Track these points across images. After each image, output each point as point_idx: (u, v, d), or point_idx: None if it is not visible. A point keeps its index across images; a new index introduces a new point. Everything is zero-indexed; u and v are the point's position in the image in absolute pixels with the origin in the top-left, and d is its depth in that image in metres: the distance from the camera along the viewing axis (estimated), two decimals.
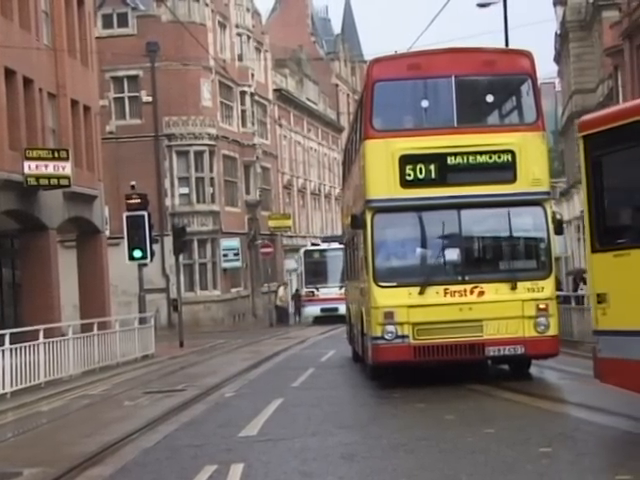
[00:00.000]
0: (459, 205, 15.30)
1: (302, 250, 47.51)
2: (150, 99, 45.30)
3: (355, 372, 19.31)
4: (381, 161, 15.44)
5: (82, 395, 18.47)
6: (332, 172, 71.68)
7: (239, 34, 51.84)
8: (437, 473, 8.76)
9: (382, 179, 15.43)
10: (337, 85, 75.89)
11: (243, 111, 51.31)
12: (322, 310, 43.58)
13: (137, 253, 29.39)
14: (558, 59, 58.45)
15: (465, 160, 15.42)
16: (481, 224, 15.82)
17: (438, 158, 15.40)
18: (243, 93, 51.31)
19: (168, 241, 37.18)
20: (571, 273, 35.15)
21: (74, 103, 30.08)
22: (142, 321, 28.11)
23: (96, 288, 31.59)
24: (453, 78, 15.65)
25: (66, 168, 26.70)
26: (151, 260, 30.95)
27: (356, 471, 9.14)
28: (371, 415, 13.34)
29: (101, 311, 29.56)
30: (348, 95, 78.85)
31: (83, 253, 32.19)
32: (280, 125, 58.89)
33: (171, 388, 18.30)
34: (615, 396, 11.30)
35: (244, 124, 51.23)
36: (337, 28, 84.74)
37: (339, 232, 68.75)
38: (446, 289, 15.14)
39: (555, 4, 51.40)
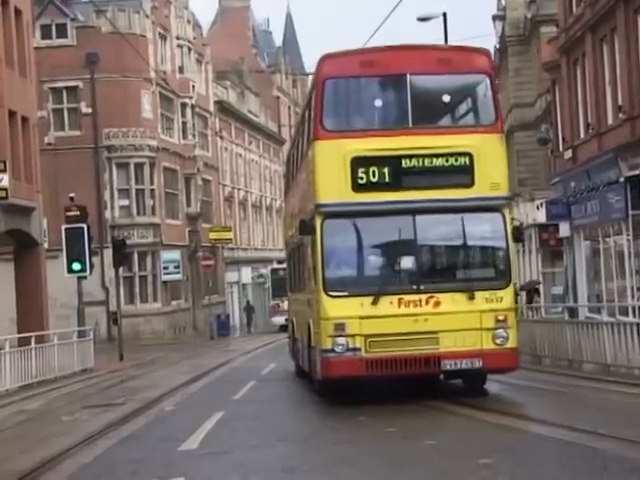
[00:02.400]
0: (414, 210, 14.54)
1: (269, 268, 54.78)
2: (90, 110, 44.97)
3: (297, 385, 19.27)
4: (332, 163, 14.62)
5: (19, 410, 18.19)
6: (273, 184, 71.67)
7: (180, 46, 51.68)
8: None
9: (333, 182, 14.59)
10: (278, 97, 75.96)
11: (184, 123, 51.14)
12: (286, 320, 44.16)
13: (76, 266, 29.12)
14: (497, 73, 59.11)
15: (420, 163, 14.63)
16: (437, 230, 15.05)
17: (392, 160, 14.61)
18: (184, 105, 51.14)
19: (108, 253, 36.87)
20: (524, 287, 34.69)
21: (12, 114, 29.71)
22: (81, 334, 27.83)
23: (34, 301, 31.18)
24: (408, 76, 14.84)
25: (3, 180, 26.39)
26: (90, 273, 30.68)
27: None
28: (312, 428, 13.31)
29: (39, 324, 29.17)
30: (289, 107, 78.94)
31: (21, 266, 31.77)
32: (221, 137, 58.76)
33: (110, 402, 18.10)
34: (561, 408, 11.41)
35: (185, 136, 51.06)
36: (278, 41, 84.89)
37: (281, 245, 69.31)
38: (400, 299, 14.31)
39: (494, 19, 51.98)
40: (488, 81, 15.14)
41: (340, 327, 14.21)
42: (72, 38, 45.58)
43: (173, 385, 20.85)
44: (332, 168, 14.60)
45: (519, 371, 15.78)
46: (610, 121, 26.98)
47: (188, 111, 51.55)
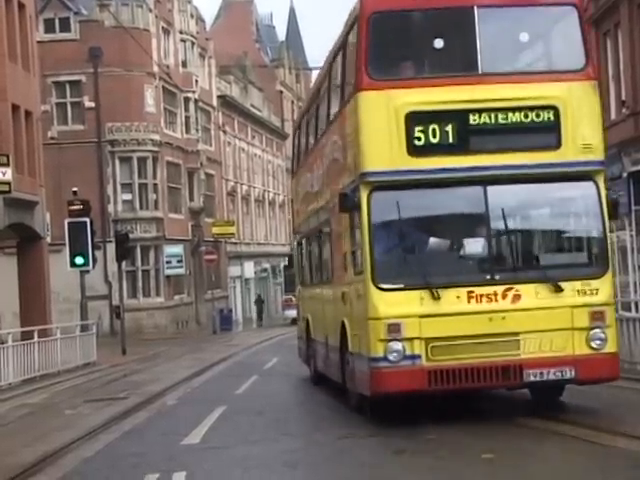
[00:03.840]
0: (485, 179, 11.74)
1: (282, 264, 55.05)
2: (93, 105, 44.93)
3: (299, 380, 19.27)
4: (381, 121, 11.70)
5: (21, 404, 18.21)
6: (276, 179, 71.65)
7: (183, 40, 51.62)
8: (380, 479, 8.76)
9: (382, 145, 11.70)
10: (281, 92, 75.89)
11: (187, 117, 51.09)
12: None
13: (79, 260, 29.14)
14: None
15: (492, 119, 11.76)
16: (515, 205, 12.10)
17: (457, 116, 11.77)
18: (187, 99, 51.10)
19: (111, 248, 36.84)
20: None
21: (15, 108, 29.70)
22: (84, 328, 27.84)
23: (37, 295, 31.19)
24: (476, 10, 11.97)
25: (6, 174, 26.37)
26: (93, 267, 30.70)
27: (299, 479, 9.10)
28: (315, 422, 13.31)
29: (42, 318, 29.18)
30: (292, 102, 78.88)
31: (24, 260, 31.79)
32: (224, 132, 58.73)
33: (113, 396, 18.12)
34: None
35: (188, 130, 51.01)
36: (282, 35, 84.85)
37: (283, 240, 69.38)
38: (470, 292, 11.48)
39: None
40: (576, 15, 12.22)
41: (395, 329, 11.34)
42: (75, 32, 45.54)
43: (175, 379, 20.86)
44: (381, 127, 11.72)
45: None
46: (613, 116, 26.95)
47: (191, 105, 51.51)
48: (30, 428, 14.72)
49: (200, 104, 53.05)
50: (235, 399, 16.42)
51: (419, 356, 11.36)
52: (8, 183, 26.41)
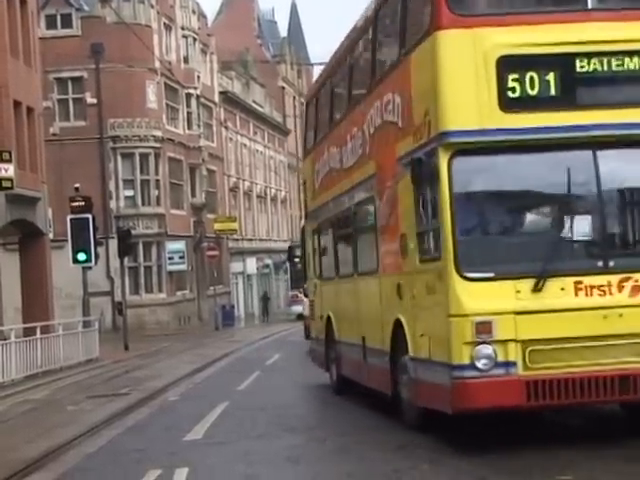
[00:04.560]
0: (595, 141, 9.46)
1: (288, 263, 51.83)
2: (95, 101, 44.95)
3: (302, 375, 19.28)
4: (465, 67, 9.43)
5: (24, 400, 18.23)
6: (278, 175, 71.63)
7: (185, 36, 51.61)
8: (380, 475, 8.75)
9: (467, 98, 9.41)
10: (283, 88, 75.85)
11: (189, 113, 51.09)
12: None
13: (81, 256, 29.16)
14: None
15: (605, 66, 9.48)
16: (633, 174, 9.73)
17: (562, 62, 9.48)
18: (189, 95, 51.08)
19: (113, 244, 36.89)
20: None
21: (17, 104, 29.69)
22: (86, 324, 27.89)
23: (39, 291, 31.20)
24: None
25: (9, 170, 26.36)
26: (95, 263, 30.71)
27: (301, 474, 9.13)
28: (318, 418, 13.33)
29: (44, 314, 29.20)
30: (294, 98, 78.84)
31: (26, 256, 31.78)
32: (226, 128, 58.72)
33: (115, 392, 18.15)
34: None
35: (190, 126, 51.01)
36: (283, 31, 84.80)
37: (285, 236, 69.38)
38: (578, 283, 9.25)
39: None
40: None
41: (484, 328, 9.09)
42: (77, 28, 45.54)
43: (178, 375, 20.89)
44: (465, 76, 9.44)
45: None
46: None
47: (193, 101, 51.50)
48: (33, 424, 14.74)
49: (202, 100, 53.04)
50: (237, 395, 16.44)
51: (514, 363, 9.09)
52: (10, 179, 26.40)
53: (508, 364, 9.08)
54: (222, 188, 57.36)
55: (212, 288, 48.25)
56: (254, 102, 65.39)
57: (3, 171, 26.16)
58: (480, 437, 10.07)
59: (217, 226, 52.52)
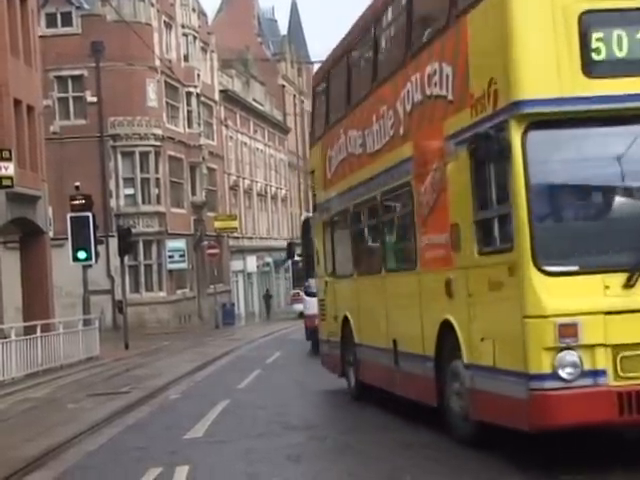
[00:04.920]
0: None
1: (290, 260, 51.52)
2: (95, 99, 44.93)
3: (302, 373, 19.27)
4: (541, 25, 8.10)
5: (24, 398, 18.23)
6: (278, 173, 71.61)
7: (185, 34, 51.58)
8: (382, 474, 8.74)
9: (543, 61, 8.09)
10: (284, 86, 75.84)
11: (189, 112, 51.07)
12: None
13: (81, 254, 29.16)
14: None
15: None
16: None
17: None
18: (189, 94, 51.06)
19: (113, 242, 36.89)
20: None
21: (17, 103, 29.68)
22: (86, 323, 27.90)
23: (39, 290, 31.20)
24: None
25: (9, 168, 26.37)
26: (96, 261, 30.72)
27: (301, 472, 9.12)
28: (318, 416, 13.33)
29: (45, 313, 29.21)
30: (294, 96, 78.85)
31: (26, 254, 31.78)
32: (226, 126, 58.71)
33: (116, 390, 18.14)
34: None
35: (190, 125, 51.00)
36: (283, 29, 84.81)
37: (285, 234, 69.38)
38: None
39: None
40: None
41: (569, 331, 7.82)
42: (77, 26, 45.51)
43: (178, 374, 20.88)
44: (542, 34, 8.12)
45: None
46: None
47: (193, 100, 51.48)
48: (33, 422, 14.73)
49: (202, 98, 53.02)
50: (238, 393, 16.44)
51: (603, 372, 7.81)
52: (10, 178, 26.41)
53: (596, 373, 7.79)
54: (222, 186, 57.36)
55: (212, 286, 48.23)
56: (254, 100, 65.38)
57: (3, 170, 26.17)
58: (549, 456, 8.76)
59: (217, 224, 52.51)
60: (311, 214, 20.98)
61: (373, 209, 12.58)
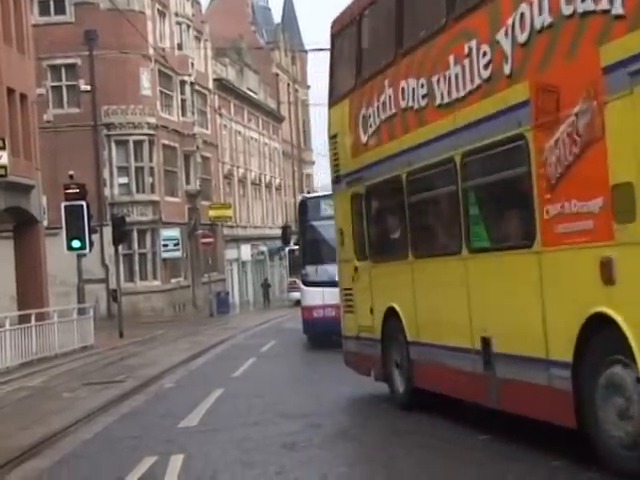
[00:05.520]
0: None
1: (287, 249, 51.22)
2: (88, 88, 44.78)
3: (296, 362, 19.28)
4: None
5: (19, 387, 18.23)
6: (272, 162, 71.54)
7: (179, 23, 51.44)
8: (377, 462, 8.76)
9: None
10: (277, 75, 75.70)
11: (183, 100, 50.96)
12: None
13: (76, 243, 29.11)
14: None
15: None
16: None
17: None
18: (183, 82, 50.95)
19: (107, 231, 36.81)
20: None
21: (10, 91, 29.59)
22: (81, 312, 27.86)
23: (34, 279, 31.17)
24: None
25: (2, 157, 26.32)
26: (90, 250, 30.68)
27: (297, 460, 9.13)
28: (313, 404, 13.32)
29: (39, 302, 29.17)
30: (289, 85, 78.70)
31: (20, 243, 31.74)
32: (220, 115, 58.61)
33: (110, 379, 18.14)
34: None
35: (184, 113, 50.90)
36: (277, 17, 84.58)
37: (279, 222, 69.33)
38: None
39: None
40: None
41: None
42: (70, 15, 45.32)
43: (173, 362, 20.89)
44: None
45: None
46: None
47: (187, 88, 51.36)
48: (28, 411, 14.74)
49: (196, 87, 52.90)
50: (232, 382, 16.45)
51: None
52: (4, 167, 26.35)
53: None
54: (216, 175, 57.29)
55: (207, 275, 48.20)
56: (248, 89, 65.27)
57: None
58: None
59: (212, 213, 52.46)
60: (309, 195, 20.21)
61: (445, 174, 9.98)
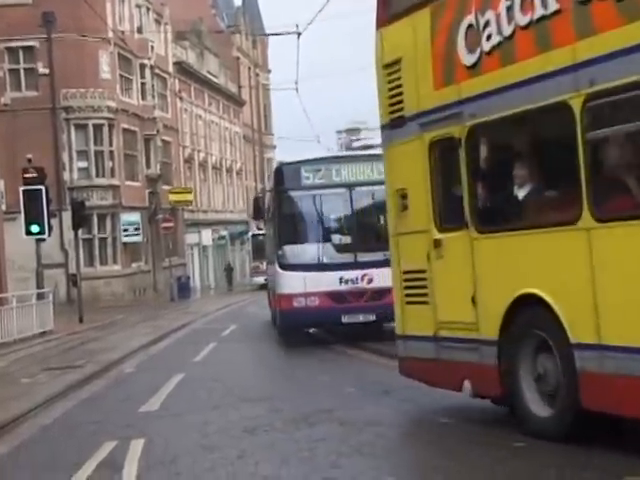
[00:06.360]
0: None
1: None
2: (47, 71, 44.35)
3: (257, 346, 19.28)
4: None
5: None
6: (233, 146, 71.31)
7: (138, 5, 51.01)
8: (338, 445, 8.78)
9: None
10: (238, 58, 75.40)
11: (143, 84, 50.62)
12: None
13: (34, 228, 28.86)
14: None
15: None
16: None
17: None
18: (143, 66, 50.60)
19: (67, 216, 36.57)
20: None
21: None
22: (40, 297, 27.67)
23: None
24: None
25: None
26: (49, 235, 30.43)
27: (258, 444, 9.13)
28: (273, 389, 13.34)
29: None
30: (249, 68, 78.41)
31: None
32: (181, 98, 58.31)
33: (70, 364, 18.03)
34: None
35: (144, 97, 50.57)
36: (238, 1, 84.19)
37: (240, 206, 69.22)
38: None
39: None
40: None
41: None
42: None
43: (133, 347, 20.81)
44: None
45: None
46: None
47: (147, 72, 51.03)
48: None
49: (156, 70, 52.58)
50: (193, 366, 16.42)
51: None
52: None
53: None
54: (177, 159, 57.04)
55: (167, 260, 48.05)
56: (209, 73, 64.97)
57: None
58: None
59: (172, 197, 52.25)
60: (286, 161, 17.61)
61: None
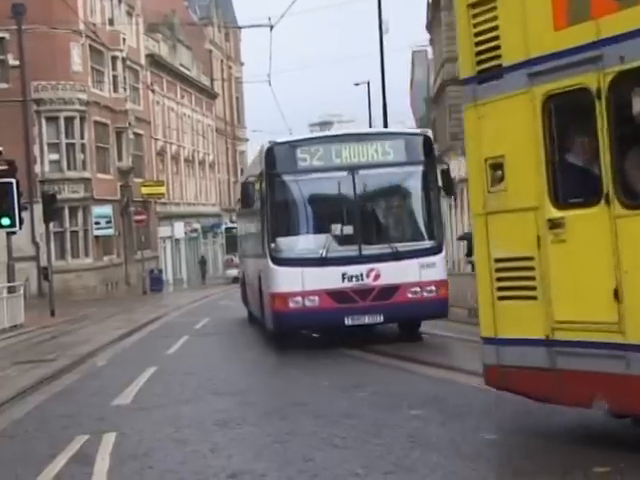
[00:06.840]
0: None
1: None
2: (17, 63, 44.03)
3: (232, 339, 19.27)
4: None
5: None
6: (206, 139, 71.14)
7: None
8: (310, 437, 8.81)
9: None
10: (211, 51, 75.20)
11: (115, 76, 50.38)
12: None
13: (5, 221, 28.66)
14: (430, 27, 59.15)
15: None
16: None
17: None
18: (114, 58, 50.36)
19: (38, 208, 36.32)
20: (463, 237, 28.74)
21: None
22: (11, 290, 27.50)
23: None
24: None
25: None
26: (20, 228, 30.22)
27: (230, 438, 9.14)
28: (246, 382, 13.34)
29: None
30: (222, 61, 78.21)
31: None
32: (153, 91, 58.07)
33: (41, 358, 17.94)
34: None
35: (116, 90, 50.33)
36: None
37: (213, 199, 69.05)
38: None
39: None
40: None
41: None
42: None
43: (105, 340, 20.74)
44: None
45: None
46: None
47: (119, 64, 50.80)
48: None
49: (128, 63, 52.36)
50: (166, 359, 16.39)
51: None
52: None
53: None
54: (149, 152, 56.84)
55: (140, 253, 47.89)
56: (181, 65, 64.76)
57: None
58: None
59: (144, 190, 52.09)
60: (279, 140, 15.46)
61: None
